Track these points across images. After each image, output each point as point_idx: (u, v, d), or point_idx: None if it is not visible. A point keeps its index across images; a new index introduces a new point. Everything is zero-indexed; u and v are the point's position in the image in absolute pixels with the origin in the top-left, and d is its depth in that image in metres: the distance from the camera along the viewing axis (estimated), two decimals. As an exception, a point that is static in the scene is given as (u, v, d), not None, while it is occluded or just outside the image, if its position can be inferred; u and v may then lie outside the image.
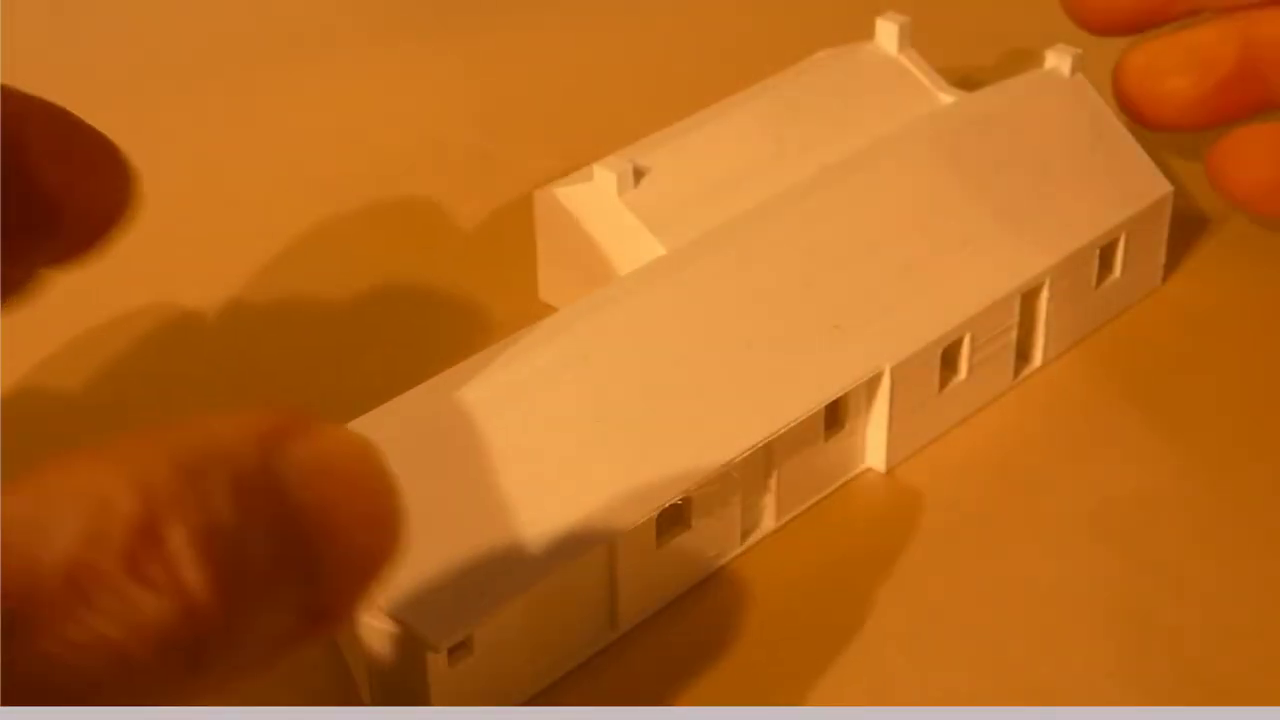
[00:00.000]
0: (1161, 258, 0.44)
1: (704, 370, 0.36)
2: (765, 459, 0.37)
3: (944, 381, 0.40)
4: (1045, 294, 0.41)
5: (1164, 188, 0.43)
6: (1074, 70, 0.43)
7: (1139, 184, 0.43)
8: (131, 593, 0.22)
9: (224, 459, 0.23)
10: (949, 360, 0.40)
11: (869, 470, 0.39)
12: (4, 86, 0.30)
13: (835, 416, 0.38)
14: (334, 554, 0.24)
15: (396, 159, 0.49)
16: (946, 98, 0.44)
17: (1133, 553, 0.37)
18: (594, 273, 0.41)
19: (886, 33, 0.45)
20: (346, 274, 0.45)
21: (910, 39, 0.45)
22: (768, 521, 0.38)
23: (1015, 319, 0.41)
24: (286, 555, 0.23)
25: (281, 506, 0.23)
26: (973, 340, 0.40)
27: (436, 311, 0.44)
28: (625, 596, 0.35)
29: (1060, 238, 0.41)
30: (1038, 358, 0.42)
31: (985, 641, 0.36)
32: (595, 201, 0.41)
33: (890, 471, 0.39)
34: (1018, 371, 0.42)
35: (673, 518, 0.36)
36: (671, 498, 0.35)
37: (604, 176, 0.41)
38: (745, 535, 0.38)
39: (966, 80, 0.47)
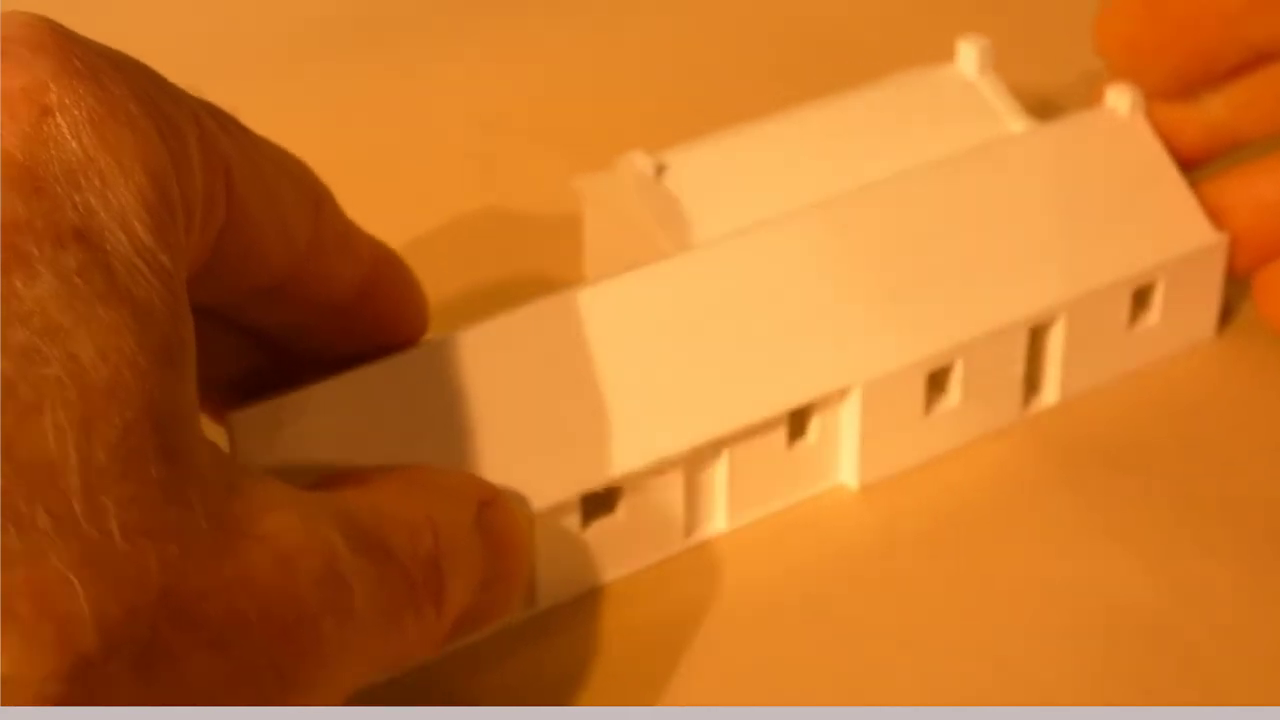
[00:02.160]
0: (1213, 308, 0.43)
1: (670, 363, 0.37)
2: (715, 458, 0.37)
3: (934, 405, 0.39)
4: (1061, 329, 0.40)
5: (1212, 236, 0.42)
6: (1133, 110, 0.42)
7: (1185, 229, 0.41)
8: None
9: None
10: (940, 384, 0.39)
11: (841, 486, 0.39)
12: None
13: (802, 426, 0.38)
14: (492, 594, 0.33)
15: (428, 157, 0.50)
16: (1015, 125, 0.43)
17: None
18: (621, 262, 0.41)
19: (967, 55, 0.44)
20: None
21: (991, 62, 0.44)
22: (719, 522, 0.38)
23: (1021, 350, 0.40)
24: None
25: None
26: (967, 367, 0.39)
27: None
28: (544, 575, 0.36)
29: (1083, 274, 0.40)
30: (1053, 393, 0.41)
31: (922, 656, 0.35)
32: (617, 194, 0.41)
33: (864, 489, 0.39)
34: (1028, 404, 0.41)
35: (602, 503, 0.36)
36: (595, 485, 0.35)
37: (626, 169, 0.41)
38: (690, 531, 0.38)
39: (1048, 103, 0.46)
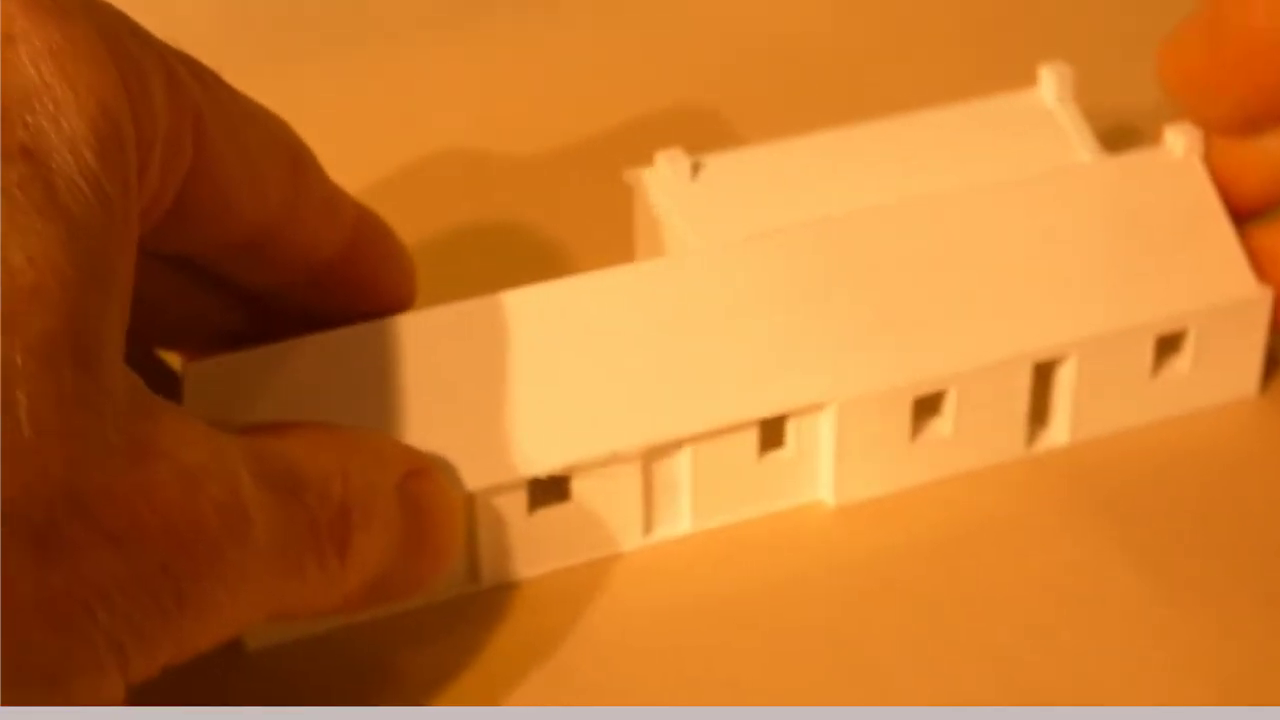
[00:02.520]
0: (1255, 364, 0.41)
1: (640, 361, 0.37)
2: (675, 458, 0.37)
3: (923, 432, 0.39)
4: (1072, 369, 0.39)
5: (1254, 290, 0.40)
6: (1188, 151, 0.41)
7: (1226, 280, 0.40)
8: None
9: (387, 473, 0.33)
10: (935, 411, 0.38)
11: (819, 503, 0.39)
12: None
13: (777, 437, 0.38)
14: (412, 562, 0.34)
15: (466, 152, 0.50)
16: (1085, 156, 0.42)
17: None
18: (654, 255, 0.42)
19: (1047, 82, 0.43)
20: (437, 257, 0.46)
21: (1071, 90, 0.43)
22: (682, 524, 0.38)
23: (1024, 386, 0.39)
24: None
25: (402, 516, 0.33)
26: (961, 397, 0.38)
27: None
28: (488, 553, 0.36)
29: (1101, 315, 0.39)
30: (1063, 434, 0.40)
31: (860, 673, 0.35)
32: (653, 189, 0.41)
33: (842, 508, 0.39)
34: (1033, 442, 0.40)
35: (555, 490, 0.37)
36: (540, 471, 0.36)
37: (662, 166, 0.41)
38: (650, 530, 0.38)
39: (1135, 132, 0.44)
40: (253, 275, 0.36)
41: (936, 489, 0.39)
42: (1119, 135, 0.44)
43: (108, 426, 0.27)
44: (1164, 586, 0.37)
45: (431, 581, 0.35)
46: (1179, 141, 0.41)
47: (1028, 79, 0.43)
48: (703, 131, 0.50)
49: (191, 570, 0.28)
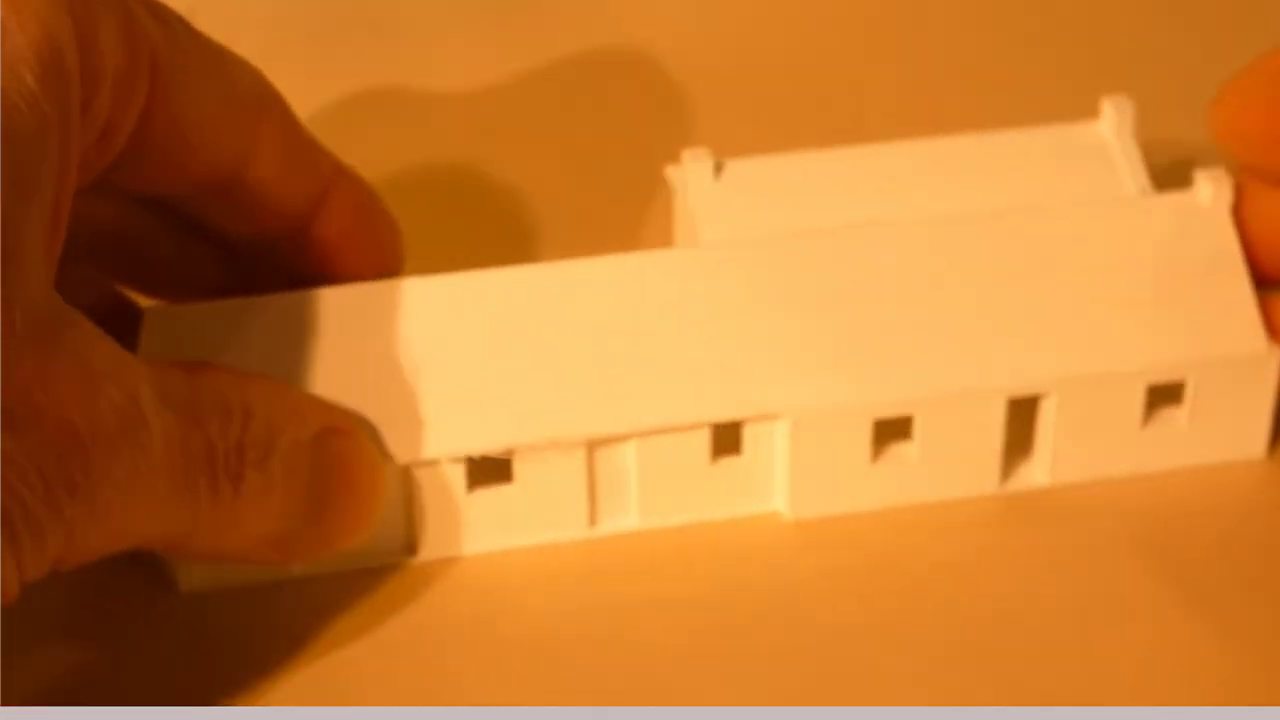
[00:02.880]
0: (1263, 424, 0.39)
1: (598, 353, 0.37)
2: (620, 452, 0.37)
3: (888, 455, 0.38)
4: (1053, 408, 0.38)
5: (1262, 347, 0.38)
6: (1215, 199, 0.39)
7: (1233, 334, 0.38)
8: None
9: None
10: (902, 435, 0.38)
11: (776, 514, 0.38)
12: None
13: (736, 443, 0.38)
14: (321, 519, 0.35)
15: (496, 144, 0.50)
16: (1133, 190, 0.41)
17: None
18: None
19: (1107, 115, 0.42)
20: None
21: (1131, 125, 0.41)
22: (630, 519, 0.38)
23: (997, 421, 0.38)
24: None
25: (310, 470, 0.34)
26: (928, 424, 0.37)
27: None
28: (425, 526, 0.37)
29: (1086, 356, 0.38)
30: (1043, 474, 0.39)
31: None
32: (682, 185, 0.41)
33: (800, 522, 0.38)
34: (1008, 478, 0.39)
35: (499, 472, 0.37)
36: (476, 450, 0.36)
37: (688, 164, 0.41)
38: (595, 521, 0.38)
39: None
40: (226, 222, 0.37)
41: (899, 514, 0.38)
42: (1181, 171, 0.42)
43: (15, 314, 0.28)
44: (1113, 640, 0.36)
45: (345, 542, 0.35)
46: (1208, 188, 0.39)
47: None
48: (764, 136, 0.49)
49: (84, 463, 0.29)
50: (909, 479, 0.38)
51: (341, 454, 0.35)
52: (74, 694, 0.35)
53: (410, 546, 0.37)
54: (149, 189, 0.35)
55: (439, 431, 0.36)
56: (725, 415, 0.37)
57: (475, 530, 0.37)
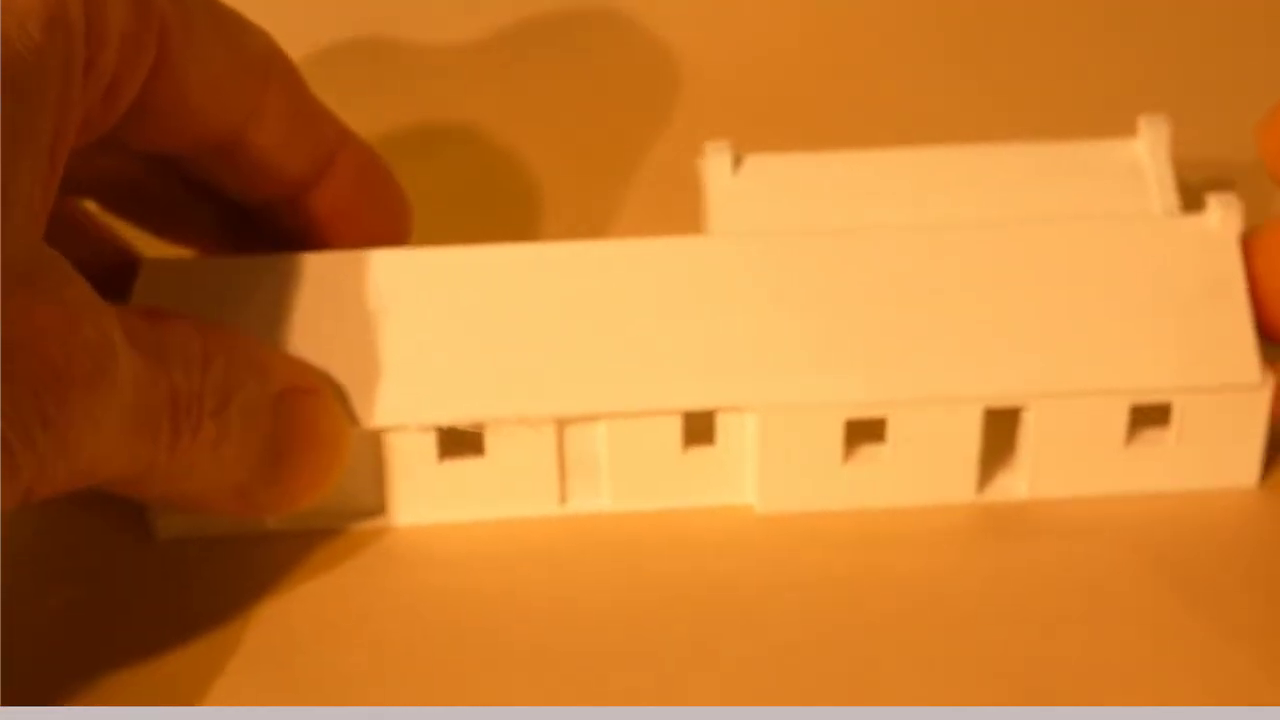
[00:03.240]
0: (1254, 454, 0.38)
1: (575, 335, 0.37)
2: (591, 434, 0.38)
3: (860, 456, 0.38)
4: (1032, 423, 0.38)
5: (1255, 377, 0.37)
6: (1223, 224, 0.38)
7: (1226, 362, 0.37)
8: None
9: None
10: (871, 437, 0.38)
11: (747, 507, 0.39)
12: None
13: (706, 434, 0.38)
14: (281, 474, 0.36)
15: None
16: (1158, 210, 0.40)
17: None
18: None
19: (1144, 133, 0.41)
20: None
21: (1166, 144, 0.41)
22: (602, 500, 0.38)
23: (973, 430, 0.37)
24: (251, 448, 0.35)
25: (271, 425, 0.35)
26: (901, 428, 0.37)
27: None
28: (396, 491, 0.38)
29: (1069, 373, 0.37)
30: (1021, 488, 0.38)
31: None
32: (707, 177, 0.42)
33: (768, 517, 0.38)
34: (985, 489, 0.38)
35: (472, 444, 0.37)
36: (444, 420, 0.37)
37: (708, 155, 0.41)
38: (565, 499, 0.38)
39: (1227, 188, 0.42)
40: (229, 183, 0.38)
41: (870, 517, 0.38)
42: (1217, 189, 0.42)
43: (3, 249, 0.30)
44: (1066, 663, 0.35)
45: (306, 499, 0.36)
46: (1217, 213, 0.38)
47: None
48: (794, 133, 0.49)
49: (59, 398, 0.30)
50: (882, 482, 0.38)
51: (306, 412, 0.36)
52: (46, 633, 0.36)
53: (382, 511, 0.38)
54: (153, 148, 0.36)
55: (410, 399, 0.37)
56: (696, 404, 0.37)
57: (446, 500, 0.38)
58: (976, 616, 0.36)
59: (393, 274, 0.38)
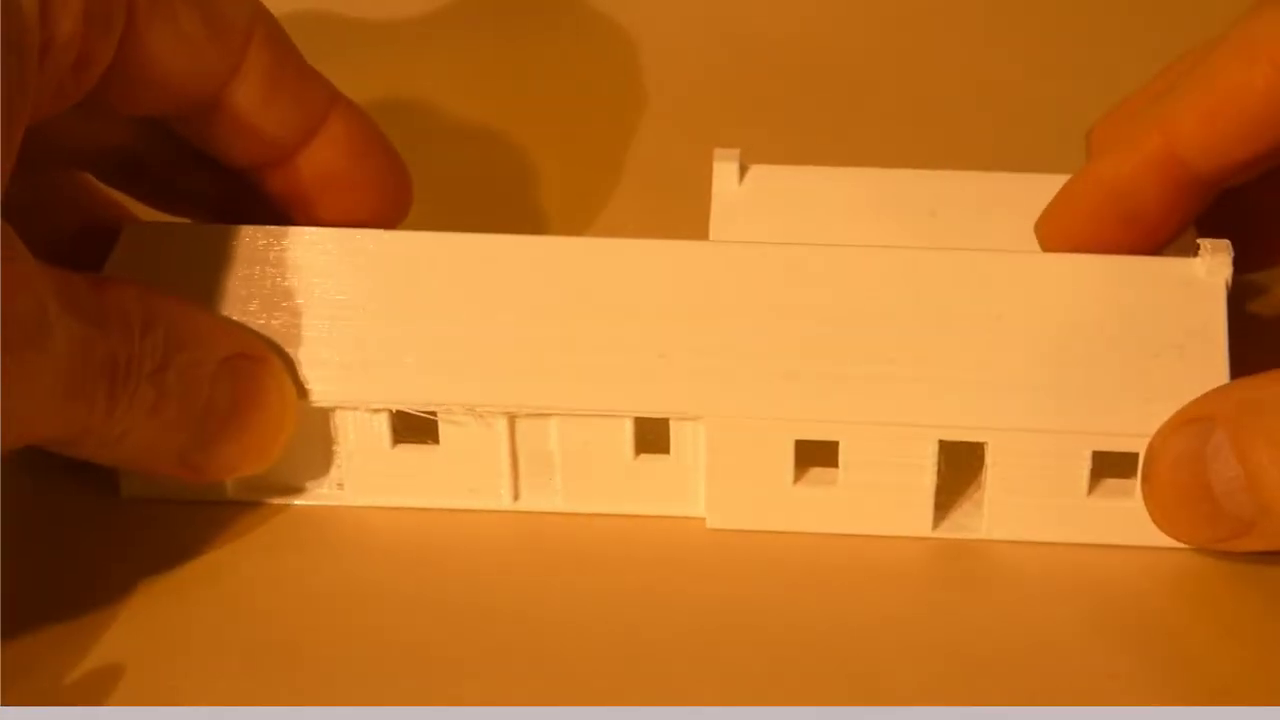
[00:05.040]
0: (1220, 512, 0.37)
1: (537, 330, 0.38)
2: (543, 431, 0.38)
3: (809, 478, 0.38)
4: (990, 461, 0.37)
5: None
6: (1214, 272, 0.37)
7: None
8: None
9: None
10: (827, 462, 0.37)
11: (700, 520, 0.38)
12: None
13: (658, 443, 0.38)
14: (223, 440, 0.36)
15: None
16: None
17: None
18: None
19: None
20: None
21: None
22: (554, 499, 0.38)
23: (928, 461, 0.37)
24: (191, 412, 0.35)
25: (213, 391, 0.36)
26: (853, 452, 0.37)
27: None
28: (350, 471, 0.38)
29: (1028, 411, 0.36)
30: (978, 527, 0.38)
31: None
32: (716, 181, 0.42)
33: (718, 531, 0.38)
34: (941, 524, 0.38)
35: (429, 431, 0.38)
36: (398, 403, 0.37)
37: (716, 162, 0.41)
38: (517, 495, 0.38)
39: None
40: (213, 146, 0.39)
41: (819, 541, 0.38)
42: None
43: None
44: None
45: (251, 466, 0.37)
46: (1206, 259, 0.37)
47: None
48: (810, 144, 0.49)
49: None
50: (834, 508, 0.38)
51: (251, 379, 0.36)
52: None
53: (340, 487, 0.39)
54: (136, 110, 0.38)
55: (365, 379, 0.37)
56: (644, 409, 0.37)
57: (398, 485, 0.38)
58: (921, 647, 0.35)
59: (366, 254, 0.38)
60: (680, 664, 0.35)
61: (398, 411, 0.38)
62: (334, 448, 0.38)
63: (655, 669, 0.35)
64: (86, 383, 0.33)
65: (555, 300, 0.38)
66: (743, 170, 0.41)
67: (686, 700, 0.34)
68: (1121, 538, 0.37)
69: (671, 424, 0.37)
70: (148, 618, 0.36)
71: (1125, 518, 0.37)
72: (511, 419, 0.37)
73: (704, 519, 0.38)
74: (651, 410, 0.37)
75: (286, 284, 0.38)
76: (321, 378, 0.37)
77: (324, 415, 0.38)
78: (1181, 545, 0.37)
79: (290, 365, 0.37)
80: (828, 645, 0.36)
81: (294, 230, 0.39)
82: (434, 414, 0.37)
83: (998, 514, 0.37)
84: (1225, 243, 0.37)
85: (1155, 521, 0.36)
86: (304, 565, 0.37)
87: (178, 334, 0.35)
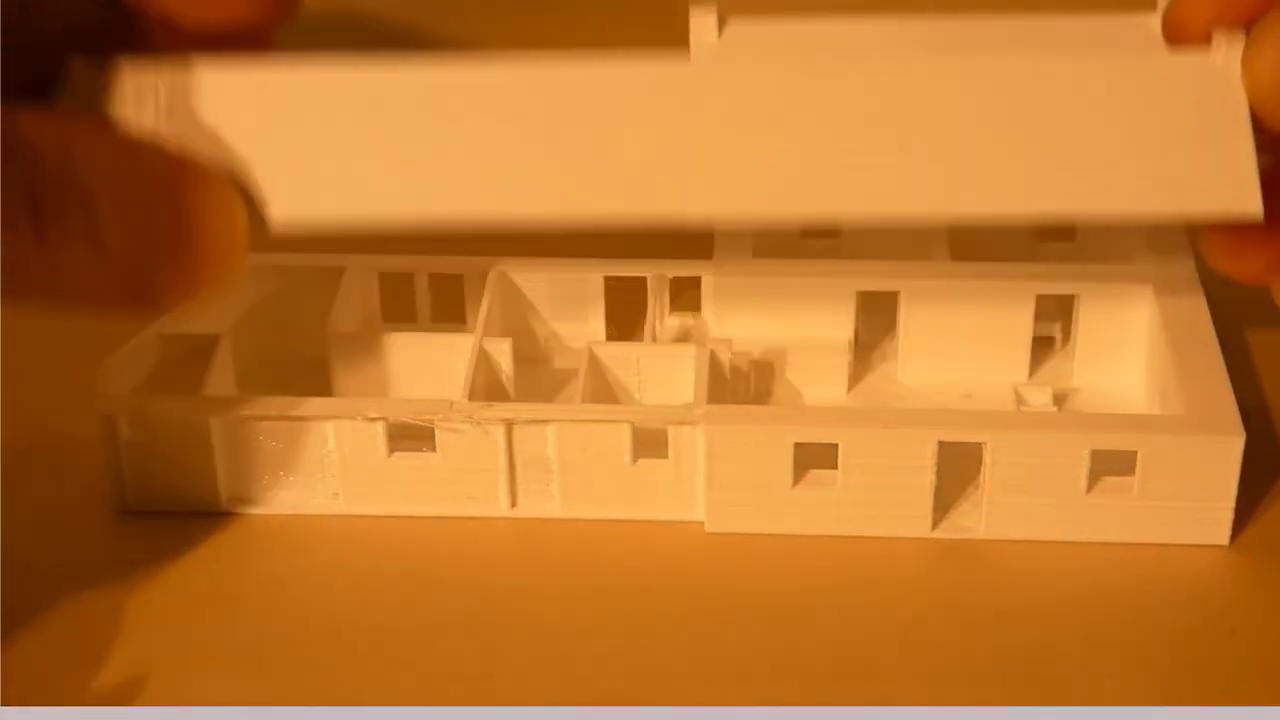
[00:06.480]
0: (1225, 507, 0.37)
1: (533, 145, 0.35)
2: (540, 437, 0.38)
3: (808, 481, 0.37)
4: (987, 461, 0.37)
5: (1255, 208, 0.34)
6: (1229, 58, 0.35)
7: (1224, 190, 0.34)
8: None
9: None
10: (824, 465, 0.37)
11: (699, 524, 0.38)
12: None
13: (654, 444, 0.38)
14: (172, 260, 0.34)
15: None
16: None
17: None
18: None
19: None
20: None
21: None
22: (552, 506, 0.38)
23: (927, 460, 0.37)
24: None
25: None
26: (851, 455, 0.37)
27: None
28: (346, 480, 0.38)
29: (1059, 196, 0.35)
30: (979, 527, 0.37)
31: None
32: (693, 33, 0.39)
33: (717, 535, 0.38)
34: (940, 525, 0.38)
35: (425, 439, 0.38)
36: (393, 416, 0.37)
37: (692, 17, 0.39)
38: (515, 502, 0.38)
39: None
40: None
41: (819, 544, 0.38)
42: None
43: None
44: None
45: (202, 287, 0.35)
46: (1220, 47, 0.35)
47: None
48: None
49: None
50: (833, 509, 0.37)
51: (193, 196, 0.35)
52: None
53: (334, 499, 0.39)
54: None
55: (311, 196, 0.35)
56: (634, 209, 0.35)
57: (395, 493, 0.38)
58: (912, 657, 0.35)
59: (330, 85, 0.36)
60: (681, 668, 0.35)
61: (394, 420, 0.38)
62: (330, 457, 0.38)
63: (656, 674, 0.35)
64: (8, 217, 0.33)
65: (545, 122, 0.35)
66: (721, 23, 0.39)
67: (687, 703, 0.34)
68: (1124, 535, 0.37)
69: (670, 429, 0.37)
70: (146, 628, 0.36)
71: (1127, 516, 0.37)
72: (509, 425, 0.37)
73: (703, 523, 0.38)
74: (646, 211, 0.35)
75: (239, 115, 0.36)
76: (269, 192, 0.35)
77: (320, 425, 0.38)
78: (1181, 543, 0.37)
79: (235, 181, 0.35)
80: (828, 647, 0.36)
81: (246, 64, 0.36)
82: (431, 422, 0.37)
83: (997, 514, 0.37)
84: (1240, 32, 0.35)
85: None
86: (302, 575, 0.37)
87: (101, 157, 0.34)
